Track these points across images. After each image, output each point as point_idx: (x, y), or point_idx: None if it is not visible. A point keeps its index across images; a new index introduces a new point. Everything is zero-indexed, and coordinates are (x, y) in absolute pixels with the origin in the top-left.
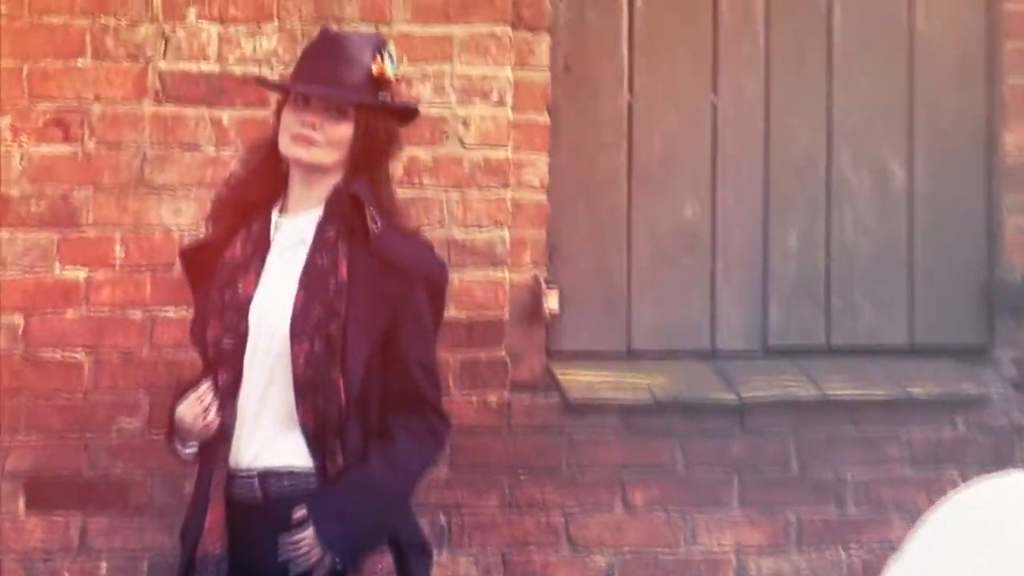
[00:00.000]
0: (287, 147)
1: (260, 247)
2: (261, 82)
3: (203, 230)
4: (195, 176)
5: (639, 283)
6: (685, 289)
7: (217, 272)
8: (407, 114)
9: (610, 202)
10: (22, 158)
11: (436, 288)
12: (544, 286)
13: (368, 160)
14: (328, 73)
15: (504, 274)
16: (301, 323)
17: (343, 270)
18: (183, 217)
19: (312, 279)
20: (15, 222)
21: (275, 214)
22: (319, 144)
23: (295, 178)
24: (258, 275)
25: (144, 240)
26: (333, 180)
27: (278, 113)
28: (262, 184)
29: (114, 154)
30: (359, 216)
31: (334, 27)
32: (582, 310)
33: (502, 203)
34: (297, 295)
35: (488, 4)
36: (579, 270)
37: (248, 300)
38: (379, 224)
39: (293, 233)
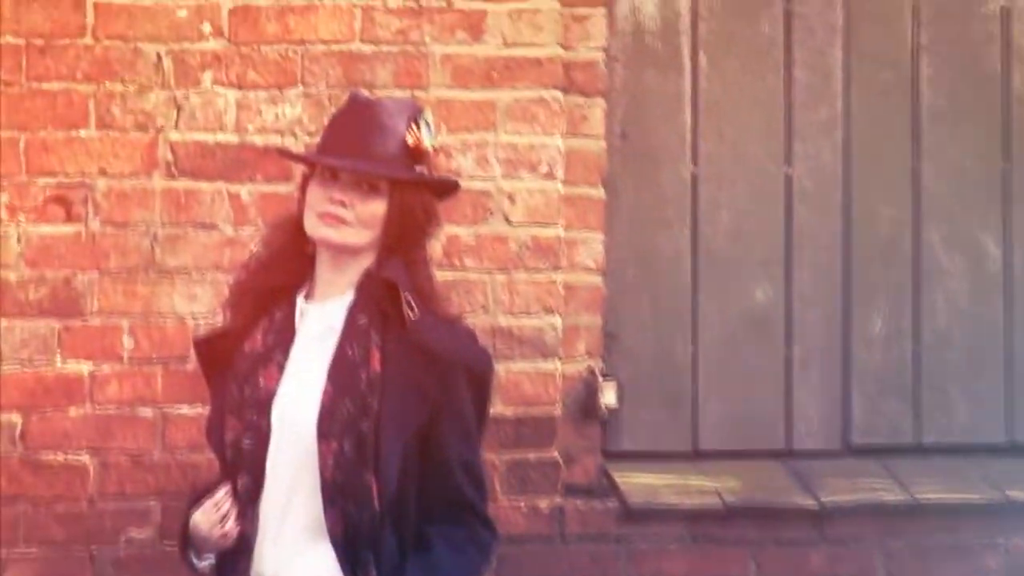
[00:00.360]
0: (314, 227)
1: (284, 337)
2: (284, 154)
3: (220, 318)
4: (211, 258)
5: (706, 375)
6: (757, 381)
7: (236, 365)
8: (446, 189)
9: (673, 285)
10: (20, 239)
11: (480, 381)
12: (600, 379)
13: (403, 240)
14: (358, 144)
15: (555, 365)
16: (329, 421)
17: (376, 362)
18: (198, 304)
19: (342, 372)
20: (12, 310)
21: (300, 300)
22: (349, 223)
23: (323, 261)
24: (281, 368)
25: (155, 330)
26: (365, 262)
27: (303, 188)
28: (286, 267)
29: (121, 234)
30: (394, 302)
31: (365, 93)
32: (642, 405)
33: (553, 287)
34: (325, 390)
35: (535, 66)
36: (639, 361)
37: (270, 396)
38: (416, 311)
39: (321, 321)
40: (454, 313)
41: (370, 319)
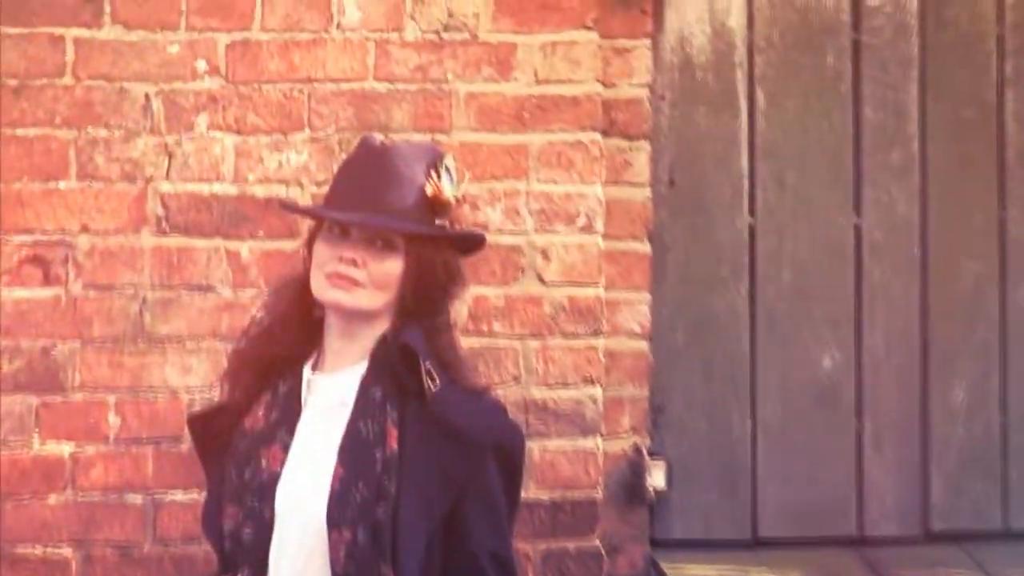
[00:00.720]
0: (322, 289)
1: (289, 413)
2: (287, 207)
3: (218, 392)
4: (207, 325)
5: (766, 453)
6: (824, 459)
7: (235, 445)
8: (471, 244)
9: (728, 351)
10: None
11: (510, 461)
12: (647, 458)
13: (423, 303)
14: (371, 195)
15: (596, 443)
16: (341, 507)
17: (393, 440)
18: (192, 377)
19: (354, 451)
20: None
21: (307, 371)
22: (361, 285)
23: (332, 327)
24: (286, 448)
25: (144, 406)
26: (380, 328)
27: (310, 245)
28: (291, 335)
29: (106, 298)
30: (412, 373)
31: (379, 137)
32: (695, 488)
33: (593, 354)
34: (335, 472)
35: (572, 105)
36: (690, 437)
37: (274, 479)
38: (437, 382)
39: (331, 395)
40: (481, 384)
41: (385, 392)
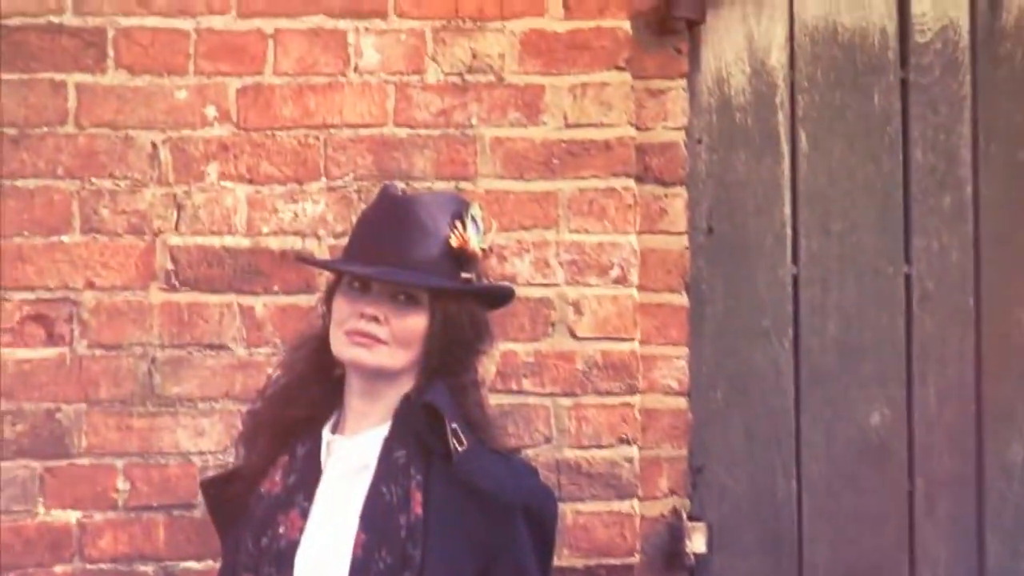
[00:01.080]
0: (342, 347)
1: (308, 477)
2: (304, 261)
3: (232, 456)
4: (220, 385)
5: (812, 514)
6: (874, 522)
7: (251, 511)
8: (499, 297)
9: (771, 408)
10: None
11: (542, 525)
12: (686, 521)
13: (448, 360)
14: (393, 248)
15: (633, 506)
16: (363, 574)
17: (417, 504)
18: (205, 440)
19: (377, 516)
20: None
21: (327, 433)
22: (383, 342)
23: (353, 386)
24: (305, 514)
25: (155, 471)
26: (403, 388)
27: (328, 301)
28: (310, 395)
29: (113, 358)
30: (438, 433)
31: (399, 186)
32: (737, 552)
33: (628, 412)
34: (357, 538)
35: (603, 150)
36: (732, 499)
37: (292, 547)
38: (464, 443)
39: (352, 458)
40: (510, 445)
41: (409, 454)
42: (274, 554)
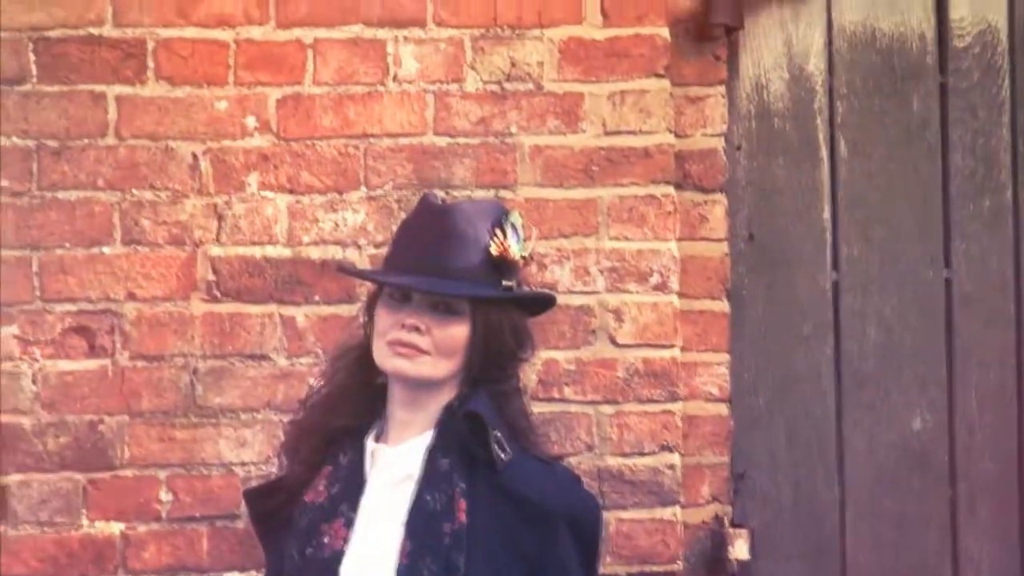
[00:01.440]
0: (384, 358)
1: (352, 486)
2: (345, 271)
3: (275, 466)
4: (262, 395)
5: (855, 521)
6: (916, 527)
7: (295, 520)
8: (540, 304)
9: (813, 413)
10: (35, 378)
11: (587, 534)
12: (728, 528)
13: (490, 368)
14: (433, 257)
15: (675, 513)
16: None
17: (462, 512)
18: (247, 450)
19: (422, 525)
20: (28, 463)
21: (370, 442)
22: (425, 352)
23: (396, 396)
24: (350, 523)
25: (197, 481)
26: (446, 396)
27: (370, 310)
28: (353, 405)
29: (155, 369)
30: (481, 442)
31: (439, 194)
32: (780, 558)
33: (669, 419)
34: (403, 546)
35: (643, 157)
36: (774, 505)
37: (337, 557)
38: (508, 452)
39: (395, 467)
40: (553, 453)
41: (453, 462)
42: (319, 564)
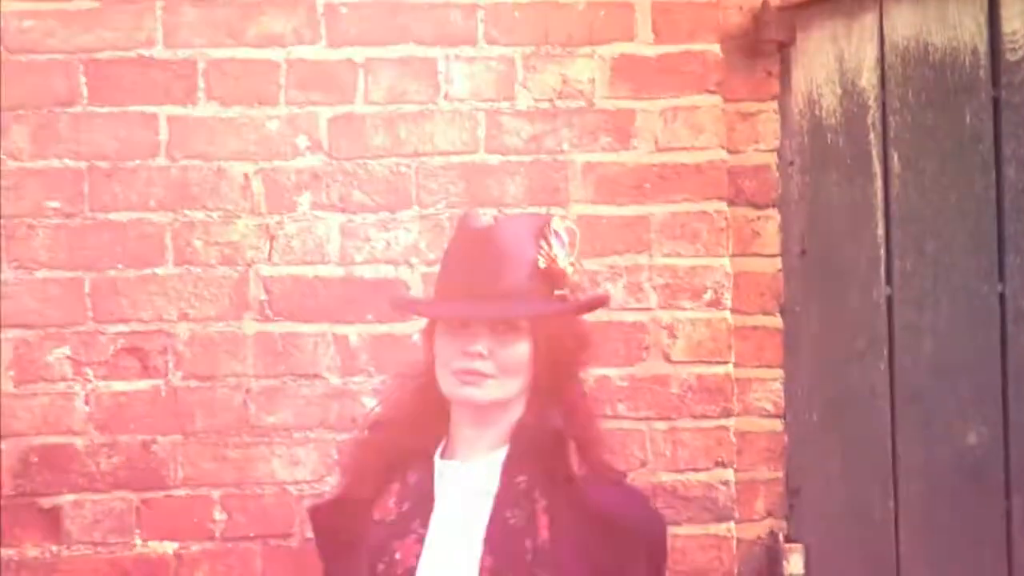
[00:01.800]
0: (451, 387)
1: (422, 504)
2: (400, 307)
3: (330, 484)
4: (316, 414)
5: (910, 534)
6: (972, 541)
7: (366, 537)
8: (594, 306)
9: (868, 428)
10: (88, 399)
11: (659, 553)
12: (783, 543)
13: (556, 379)
14: (483, 280)
15: (730, 529)
16: None
17: (544, 528)
18: (301, 469)
19: (503, 541)
20: (81, 483)
21: (438, 460)
22: (492, 376)
23: (464, 415)
24: (421, 540)
25: (251, 501)
26: (515, 413)
27: (428, 335)
28: (419, 423)
29: (208, 389)
30: (558, 456)
31: (479, 215)
32: (835, 573)
33: (723, 435)
34: (483, 563)
35: (695, 173)
36: (829, 520)
37: (410, 573)
38: (584, 467)
39: (467, 484)
40: (620, 469)
41: (531, 479)
42: None
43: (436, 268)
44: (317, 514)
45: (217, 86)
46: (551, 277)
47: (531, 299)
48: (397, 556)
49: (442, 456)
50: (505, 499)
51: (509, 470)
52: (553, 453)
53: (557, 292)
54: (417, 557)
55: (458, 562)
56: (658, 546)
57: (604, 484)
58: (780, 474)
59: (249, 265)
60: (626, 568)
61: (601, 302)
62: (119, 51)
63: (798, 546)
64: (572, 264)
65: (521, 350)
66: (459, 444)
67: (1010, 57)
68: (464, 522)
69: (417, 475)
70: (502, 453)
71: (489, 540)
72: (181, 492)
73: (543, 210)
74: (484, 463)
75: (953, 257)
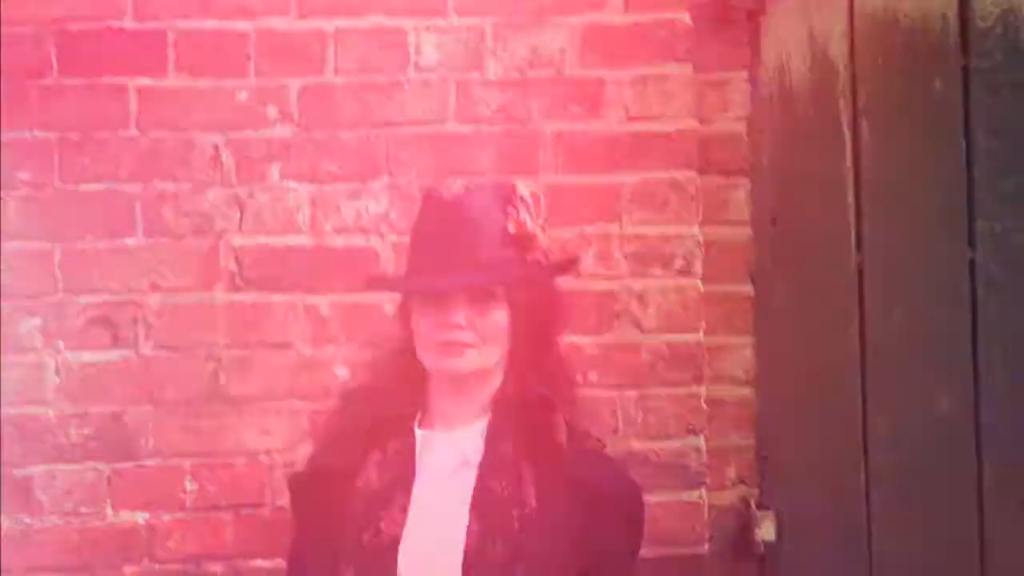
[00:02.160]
0: (434, 360)
1: (403, 473)
2: (375, 285)
3: (308, 454)
4: (286, 384)
5: (881, 501)
6: (943, 508)
7: (349, 506)
8: (566, 268)
9: (838, 395)
10: (58, 370)
11: (639, 524)
12: (755, 510)
13: (536, 346)
14: (457, 252)
15: (701, 496)
16: (479, 567)
17: (531, 497)
18: (272, 439)
19: (488, 509)
20: (52, 453)
21: (418, 429)
22: (472, 346)
23: (443, 385)
24: (404, 510)
25: (221, 470)
26: (495, 380)
27: (404, 308)
28: (397, 392)
29: (178, 359)
30: (544, 425)
31: (443, 187)
32: (807, 540)
33: (694, 403)
34: (469, 530)
35: (665, 142)
36: (801, 487)
37: (395, 543)
38: (568, 437)
39: (449, 453)
40: (598, 439)
41: (516, 447)
42: (376, 551)
43: (407, 238)
44: (295, 484)
45: (186, 57)
46: (522, 242)
47: (506, 266)
48: (382, 525)
49: (420, 426)
50: (490, 468)
51: (492, 439)
52: (538, 421)
53: (529, 257)
54: (401, 527)
55: (443, 531)
56: (640, 521)
57: (587, 453)
58: (751, 441)
59: (219, 235)
60: (607, 537)
61: (573, 262)
62: (89, 22)
63: (770, 513)
64: (541, 227)
65: (499, 317)
66: (438, 414)
67: (980, 24)
68: (447, 491)
69: (397, 444)
70: (483, 423)
71: (475, 508)
72: (152, 462)
73: (514, 179)
74: (466, 433)
75: (924, 224)
